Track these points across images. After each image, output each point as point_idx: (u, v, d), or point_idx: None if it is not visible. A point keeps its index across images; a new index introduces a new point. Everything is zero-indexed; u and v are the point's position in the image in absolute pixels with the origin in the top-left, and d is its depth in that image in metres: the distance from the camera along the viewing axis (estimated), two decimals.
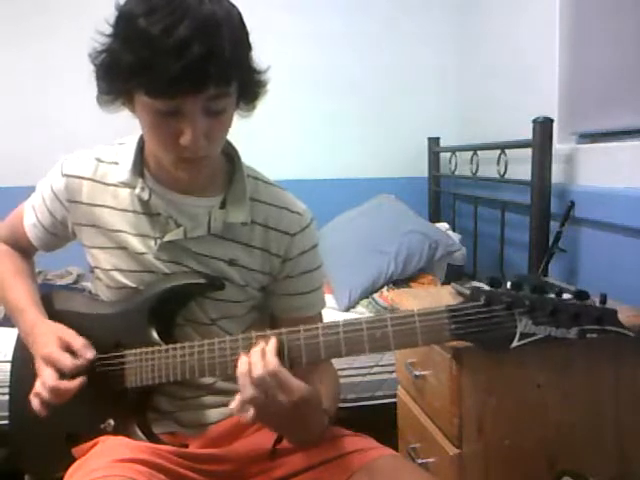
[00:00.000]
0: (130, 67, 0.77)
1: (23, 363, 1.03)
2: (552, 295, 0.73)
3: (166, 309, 0.96)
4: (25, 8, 2.51)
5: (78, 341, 0.92)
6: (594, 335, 0.71)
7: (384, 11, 2.74)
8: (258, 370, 0.77)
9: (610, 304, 0.76)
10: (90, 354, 0.92)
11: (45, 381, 0.89)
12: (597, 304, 0.74)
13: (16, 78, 2.54)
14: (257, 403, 0.78)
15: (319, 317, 1.03)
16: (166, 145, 0.84)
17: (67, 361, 0.90)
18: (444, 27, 2.75)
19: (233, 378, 1.00)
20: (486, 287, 0.74)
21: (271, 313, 1.03)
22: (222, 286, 0.95)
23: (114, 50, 0.81)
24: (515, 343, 0.72)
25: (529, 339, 0.72)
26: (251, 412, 0.78)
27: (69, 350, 0.91)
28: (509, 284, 0.74)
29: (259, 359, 0.79)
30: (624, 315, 0.76)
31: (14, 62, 2.53)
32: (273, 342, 0.80)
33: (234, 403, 0.79)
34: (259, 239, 0.98)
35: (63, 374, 0.90)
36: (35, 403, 0.91)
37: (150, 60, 0.75)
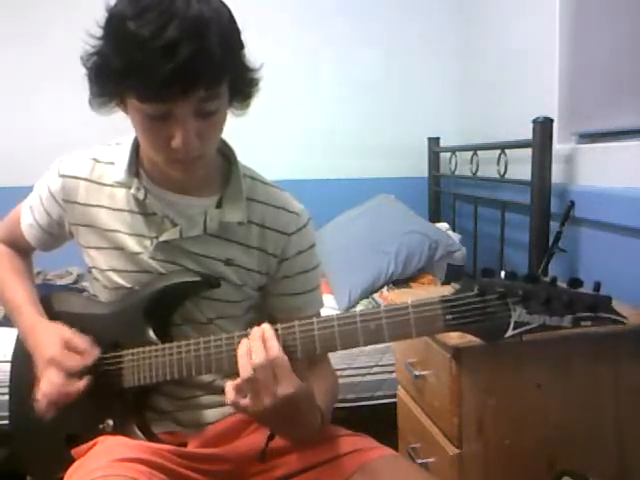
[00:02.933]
0: (120, 71, 0.77)
1: (23, 363, 1.03)
2: (546, 284, 0.72)
3: (162, 308, 0.95)
4: (23, 10, 2.51)
5: (81, 340, 0.93)
6: (588, 323, 0.70)
7: (386, 12, 2.74)
8: (259, 354, 0.77)
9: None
10: (95, 352, 0.92)
11: (52, 381, 0.90)
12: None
13: (16, 78, 2.54)
14: (253, 388, 0.76)
15: (318, 317, 1.03)
16: (158, 148, 0.84)
17: (73, 361, 0.90)
18: (445, 27, 2.75)
19: (231, 376, 1.00)
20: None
21: (269, 313, 1.03)
22: (217, 284, 0.95)
23: (104, 53, 0.80)
24: (509, 332, 0.72)
25: (523, 328, 0.72)
26: (246, 400, 0.77)
27: (72, 349, 0.92)
28: (503, 274, 0.74)
29: (260, 344, 0.78)
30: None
31: (14, 62, 2.53)
32: (269, 328, 0.80)
33: (229, 388, 0.78)
34: (256, 239, 0.98)
35: (69, 374, 0.90)
36: (42, 404, 0.91)
37: (139, 63, 0.75)
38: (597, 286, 0.71)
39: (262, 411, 0.77)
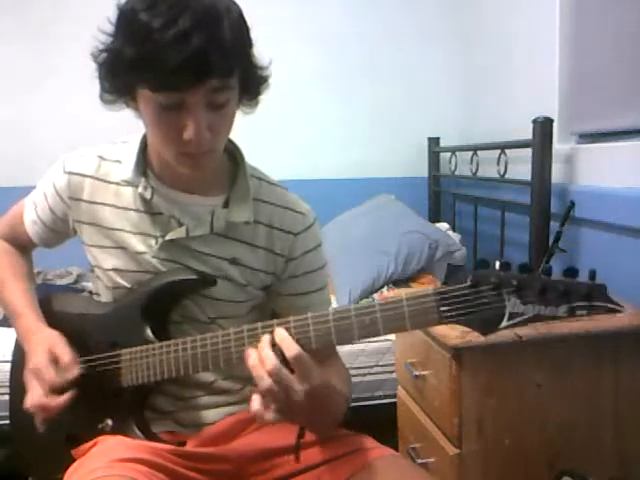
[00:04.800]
0: (132, 62, 0.78)
1: (23, 363, 1.02)
2: (540, 274, 0.71)
3: (159, 307, 0.95)
4: (25, 7, 2.51)
5: (66, 356, 0.92)
6: (584, 312, 0.69)
7: (386, 13, 2.74)
8: (272, 360, 0.74)
9: None
10: (75, 371, 0.91)
11: (33, 395, 0.90)
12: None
13: (16, 77, 2.54)
14: (275, 396, 0.74)
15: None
16: (169, 140, 0.84)
17: (52, 377, 0.90)
18: (444, 28, 2.75)
19: (231, 376, 1.00)
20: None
21: (275, 313, 1.03)
22: (214, 282, 0.94)
23: (116, 46, 0.81)
24: (504, 323, 0.71)
25: (518, 319, 0.71)
26: (272, 409, 0.75)
27: (55, 363, 0.91)
28: (497, 265, 0.73)
29: (269, 351, 0.76)
30: (624, 315, 0.76)
31: (14, 61, 2.53)
32: (282, 331, 0.78)
33: (254, 403, 0.75)
34: (263, 239, 0.98)
35: (51, 388, 0.90)
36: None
37: (152, 53, 0.75)
38: (592, 275, 0.70)
39: (290, 412, 0.76)
